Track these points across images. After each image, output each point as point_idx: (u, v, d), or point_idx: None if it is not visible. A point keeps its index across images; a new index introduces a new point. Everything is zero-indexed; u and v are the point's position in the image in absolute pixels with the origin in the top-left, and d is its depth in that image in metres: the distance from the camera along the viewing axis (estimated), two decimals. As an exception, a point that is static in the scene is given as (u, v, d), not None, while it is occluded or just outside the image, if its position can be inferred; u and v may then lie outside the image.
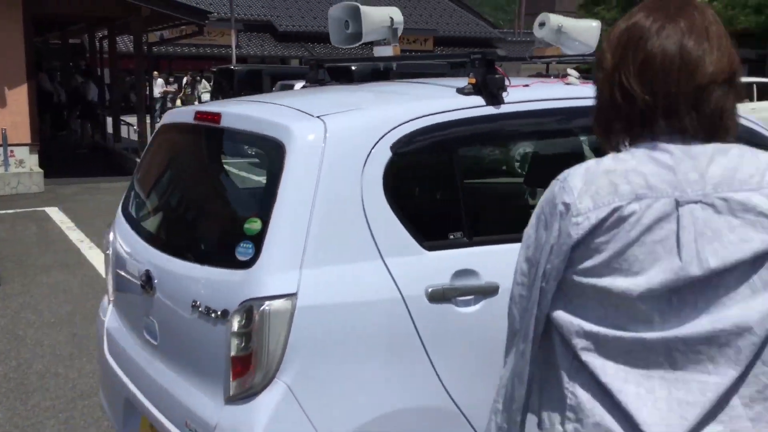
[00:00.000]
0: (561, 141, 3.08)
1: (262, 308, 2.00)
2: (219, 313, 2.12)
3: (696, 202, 1.28)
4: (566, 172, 1.37)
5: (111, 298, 2.97)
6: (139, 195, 3.03)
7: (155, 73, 22.83)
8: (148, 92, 17.51)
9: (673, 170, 1.30)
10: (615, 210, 1.29)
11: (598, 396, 1.34)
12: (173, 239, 2.68)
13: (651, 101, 1.33)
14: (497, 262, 2.21)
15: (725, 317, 1.29)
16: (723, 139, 1.34)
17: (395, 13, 3.34)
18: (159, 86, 24.10)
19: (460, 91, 2.41)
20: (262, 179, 2.33)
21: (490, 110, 2.37)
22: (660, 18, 1.36)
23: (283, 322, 2.01)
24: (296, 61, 30.28)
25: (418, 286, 2.15)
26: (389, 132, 2.18)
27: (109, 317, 2.93)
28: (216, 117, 2.50)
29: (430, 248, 2.21)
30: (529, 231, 1.43)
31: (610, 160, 1.35)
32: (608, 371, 1.33)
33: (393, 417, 2.13)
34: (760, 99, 18.02)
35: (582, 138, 2.97)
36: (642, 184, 1.30)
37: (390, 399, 2.13)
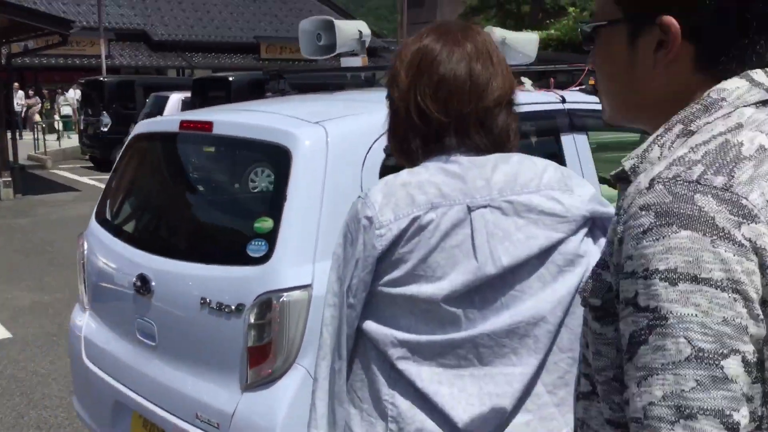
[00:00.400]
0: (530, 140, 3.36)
1: (281, 299, 2.17)
2: (233, 307, 2.26)
3: (485, 207, 1.40)
4: (368, 189, 1.46)
5: (87, 307, 3.04)
6: (121, 203, 3.17)
7: (16, 85, 21.50)
8: (9, 105, 16.19)
9: (462, 179, 1.42)
10: (414, 220, 1.38)
11: (417, 402, 1.40)
12: (173, 242, 2.87)
13: (445, 121, 1.44)
14: None
15: (522, 310, 1.41)
16: (507, 152, 1.49)
17: (363, 27, 3.64)
18: (19, 99, 22.73)
19: None
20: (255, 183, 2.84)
21: None
22: (449, 42, 1.45)
23: (301, 311, 2.19)
24: (174, 72, 29.21)
25: None
26: (381, 136, 2.25)
27: (86, 325, 3.01)
28: (207, 126, 2.66)
29: None
30: (337, 251, 1.47)
31: (405, 173, 1.45)
32: (423, 376, 1.40)
33: None
34: None
35: (534, 139, 3.08)
36: (436, 194, 1.40)
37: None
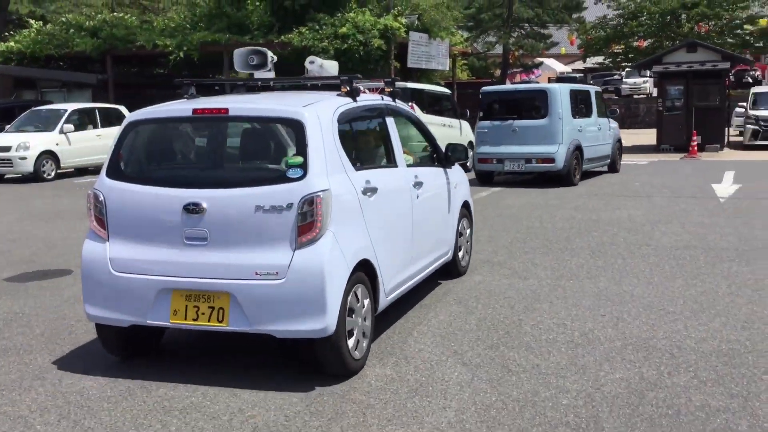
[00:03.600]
0: (375, 120, 5.58)
1: (319, 196, 4.16)
2: (284, 206, 4.14)
3: None
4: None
5: (107, 237, 4.47)
6: (150, 161, 4.88)
7: None
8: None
9: None
10: None
11: None
12: (220, 178, 4.59)
13: None
14: (376, 177, 4.92)
15: None
16: None
17: (272, 54, 6.82)
18: None
19: (342, 95, 5.03)
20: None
21: (354, 104, 5.00)
22: None
23: (328, 202, 4.21)
24: None
25: (358, 188, 4.62)
26: (334, 113, 4.65)
27: (111, 249, 4.45)
28: (224, 110, 4.51)
29: (357, 170, 4.70)
30: None
31: None
32: None
33: (363, 246, 4.59)
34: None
35: (380, 120, 5.52)
36: None
37: (361, 239, 4.57)
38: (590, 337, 5.07)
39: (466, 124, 17.03)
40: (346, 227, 4.39)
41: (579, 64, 60.46)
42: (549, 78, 51.46)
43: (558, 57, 55.85)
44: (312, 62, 7.55)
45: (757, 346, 4.77)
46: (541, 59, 50.07)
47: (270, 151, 4.79)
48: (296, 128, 4.31)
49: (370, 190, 4.73)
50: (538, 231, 9.17)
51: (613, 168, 16.50)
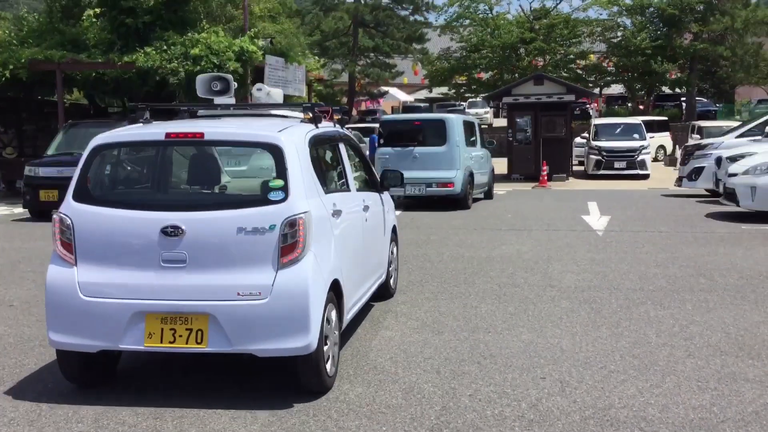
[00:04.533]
0: (332, 146, 5.78)
1: (302, 218, 4.33)
2: (267, 227, 4.27)
3: None
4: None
5: (75, 261, 4.41)
6: (121, 184, 5.16)
7: None
8: None
9: None
10: None
11: None
12: (200, 201, 4.73)
13: None
14: (339, 200, 5.18)
15: None
16: None
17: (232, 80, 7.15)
18: None
19: (306, 121, 5.17)
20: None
21: (318, 130, 5.15)
22: None
23: (309, 223, 4.39)
24: None
25: (328, 210, 4.84)
26: (305, 138, 4.86)
27: (80, 273, 4.40)
28: (199, 134, 4.63)
29: (326, 193, 4.94)
30: None
31: None
32: None
33: (335, 266, 4.80)
34: None
35: (335, 146, 5.81)
36: None
37: (332, 260, 4.77)
38: (541, 409, 4.35)
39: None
40: (322, 248, 4.59)
41: (421, 94, 61.93)
42: (392, 107, 52.17)
43: (401, 86, 56.83)
44: (259, 89, 7.80)
45: (726, 413, 4.24)
46: (386, 88, 50.58)
47: (257, 171, 5.44)
48: (275, 153, 4.48)
49: (336, 213, 4.98)
50: (431, 271, 8.47)
51: (489, 195, 17.17)
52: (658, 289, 7.39)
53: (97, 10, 18.51)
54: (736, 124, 29.47)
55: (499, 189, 18.96)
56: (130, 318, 4.27)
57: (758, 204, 11.65)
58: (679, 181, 17.27)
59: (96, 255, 4.37)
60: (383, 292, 6.82)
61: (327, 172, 5.46)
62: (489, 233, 11.50)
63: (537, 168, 21.83)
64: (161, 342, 4.27)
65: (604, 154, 24.32)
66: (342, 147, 5.80)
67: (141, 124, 4.98)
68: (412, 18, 46.68)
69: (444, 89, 40.92)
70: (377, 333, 5.95)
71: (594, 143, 24.83)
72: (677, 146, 30.92)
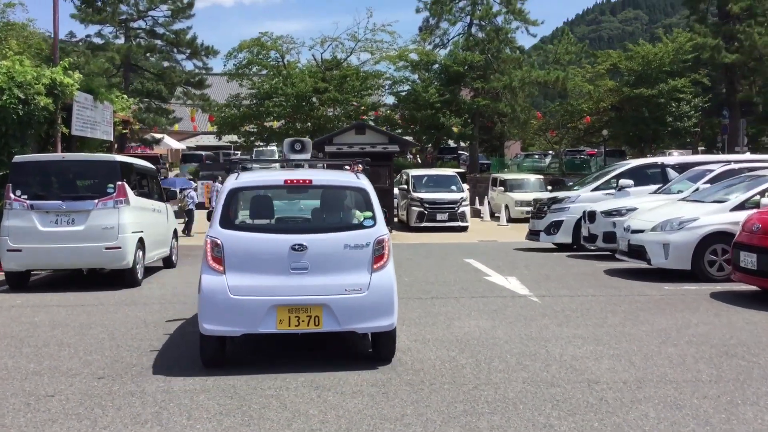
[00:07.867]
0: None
1: (387, 237, 6.60)
2: (364, 244, 6.44)
3: None
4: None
5: (224, 271, 6.31)
6: (256, 215, 7.06)
7: None
8: None
9: None
10: None
11: None
12: (317, 226, 6.93)
13: None
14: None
15: None
16: None
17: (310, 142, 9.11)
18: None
19: (350, 170, 7.75)
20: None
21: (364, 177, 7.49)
22: None
23: (391, 241, 6.78)
24: None
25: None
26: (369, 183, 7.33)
27: (229, 280, 6.27)
28: (308, 181, 6.88)
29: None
30: None
31: None
32: None
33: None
34: None
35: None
36: None
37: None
38: None
39: (171, 209, 13.57)
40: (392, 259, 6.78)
41: (192, 141, 58.74)
42: (163, 154, 48.62)
43: (172, 134, 53.47)
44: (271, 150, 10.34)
45: None
46: (161, 135, 47.08)
47: (342, 208, 7.17)
48: (363, 193, 6.83)
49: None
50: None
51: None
52: (716, 379, 6.22)
53: None
54: (533, 176, 30.91)
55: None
56: (267, 310, 6.21)
57: (672, 262, 11.12)
58: (534, 234, 16.94)
59: (240, 266, 6.30)
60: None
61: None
62: (418, 303, 9.75)
63: (366, 221, 20.58)
64: (289, 326, 6.24)
65: (427, 206, 23.85)
66: None
67: (248, 173, 7.27)
68: (191, 63, 43.98)
69: (233, 137, 38.66)
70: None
71: (415, 195, 24.27)
72: (477, 198, 31.63)
